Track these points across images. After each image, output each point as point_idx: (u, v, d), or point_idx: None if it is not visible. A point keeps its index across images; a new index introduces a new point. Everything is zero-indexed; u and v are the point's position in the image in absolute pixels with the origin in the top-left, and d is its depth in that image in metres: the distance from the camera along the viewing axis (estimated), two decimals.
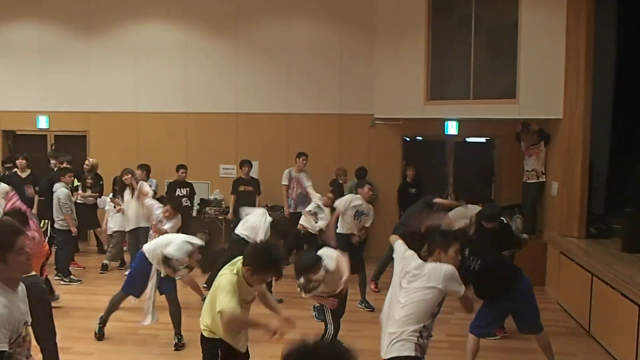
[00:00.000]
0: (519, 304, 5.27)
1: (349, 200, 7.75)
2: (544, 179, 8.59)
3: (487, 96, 8.54)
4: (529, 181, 8.75)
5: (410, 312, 3.72)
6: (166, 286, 5.97)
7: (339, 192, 9.52)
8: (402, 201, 9.55)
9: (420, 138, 10.64)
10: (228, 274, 3.79)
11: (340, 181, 9.53)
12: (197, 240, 5.90)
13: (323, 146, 10.11)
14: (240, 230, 7.43)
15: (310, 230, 8.15)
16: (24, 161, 9.33)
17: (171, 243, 5.69)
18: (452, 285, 3.76)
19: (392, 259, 7.98)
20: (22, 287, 2.76)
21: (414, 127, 9.93)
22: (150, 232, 7.56)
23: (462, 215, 7.14)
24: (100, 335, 6.09)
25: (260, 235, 7.03)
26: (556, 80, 7.96)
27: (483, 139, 10.63)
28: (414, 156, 10.20)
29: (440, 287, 3.72)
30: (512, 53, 8.22)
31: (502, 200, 9.47)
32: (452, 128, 9.82)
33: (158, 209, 7.37)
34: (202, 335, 4.02)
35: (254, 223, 7.37)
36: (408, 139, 10.36)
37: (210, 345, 3.96)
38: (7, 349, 2.51)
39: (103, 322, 6.13)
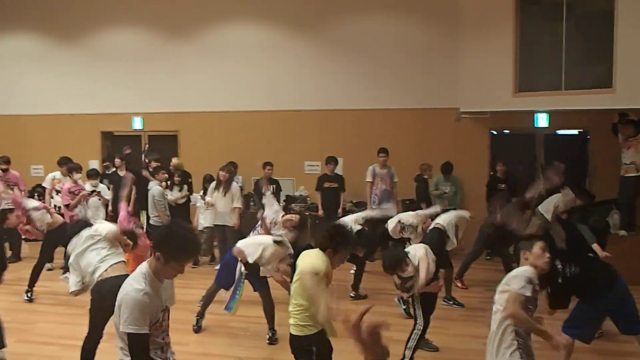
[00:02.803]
0: (616, 305, 5.05)
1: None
2: None
3: (580, 86, 8.18)
4: (627, 175, 8.30)
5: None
6: (258, 283, 6.14)
7: (423, 187, 9.42)
8: (491, 197, 9.26)
9: (507, 131, 10.33)
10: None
11: (426, 176, 9.43)
12: (287, 244, 6.00)
13: (407, 141, 10.04)
14: None
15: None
16: (119, 160, 9.86)
17: (266, 248, 5.85)
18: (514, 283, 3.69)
19: (475, 255, 7.87)
20: None
21: (501, 120, 9.65)
22: (258, 229, 7.28)
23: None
24: (197, 328, 6.32)
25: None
26: None
27: (575, 131, 10.18)
28: (501, 150, 9.92)
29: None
30: (607, 41, 7.82)
31: (597, 195, 9.01)
32: (542, 120, 9.48)
33: (277, 212, 7.05)
34: (292, 336, 3.91)
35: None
36: (495, 133, 10.09)
37: (304, 342, 3.86)
38: (147, 332, 3.00)
39: (200, 315, 6.38)
